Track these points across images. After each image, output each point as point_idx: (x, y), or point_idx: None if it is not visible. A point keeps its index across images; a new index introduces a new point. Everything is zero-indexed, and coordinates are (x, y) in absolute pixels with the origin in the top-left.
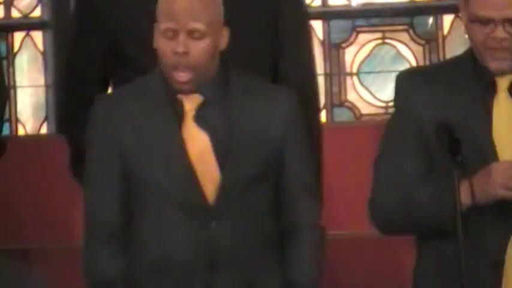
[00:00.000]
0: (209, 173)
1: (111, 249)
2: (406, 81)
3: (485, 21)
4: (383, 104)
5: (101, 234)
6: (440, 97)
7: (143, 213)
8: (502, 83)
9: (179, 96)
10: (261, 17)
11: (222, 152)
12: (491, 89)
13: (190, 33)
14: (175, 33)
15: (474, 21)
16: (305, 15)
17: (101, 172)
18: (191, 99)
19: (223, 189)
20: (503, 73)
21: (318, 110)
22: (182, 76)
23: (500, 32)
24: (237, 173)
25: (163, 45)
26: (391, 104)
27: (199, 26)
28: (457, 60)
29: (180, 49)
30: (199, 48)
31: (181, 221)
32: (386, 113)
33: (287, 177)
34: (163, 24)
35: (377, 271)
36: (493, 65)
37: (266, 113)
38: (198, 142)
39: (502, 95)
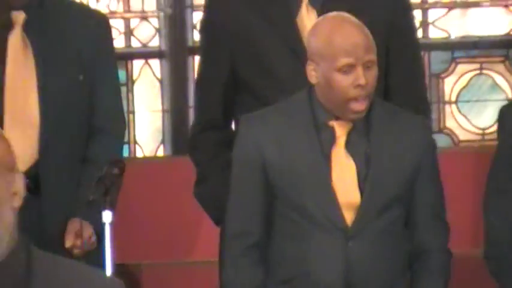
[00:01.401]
0: (350, 197)
1: (252, 258)
2: (510, 114)
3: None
4: (480, 131)
5: (243, 244)
6: None
7: (283, 229)
8: None
9: (331, 122)
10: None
11: (363, 177)
12: None
13: (365, 65)
14: (351, 67)
15: None
16: (416, 45)
17: (245, 187)
18: (342, 126)
19: (361, 212)
20: None
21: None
22: (361, 105)
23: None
24: (375, 198)
25: (341, 79)
26: (488, 131)
27: (372, 56)
28: None
29: (363, 81)
30: (373, 78)
31: (321, 240)
32: (483, 140)
33: (420, 204)
34: (341, 61)
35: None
36: None
37: (403, 141)
38: (345, 168)
39: None
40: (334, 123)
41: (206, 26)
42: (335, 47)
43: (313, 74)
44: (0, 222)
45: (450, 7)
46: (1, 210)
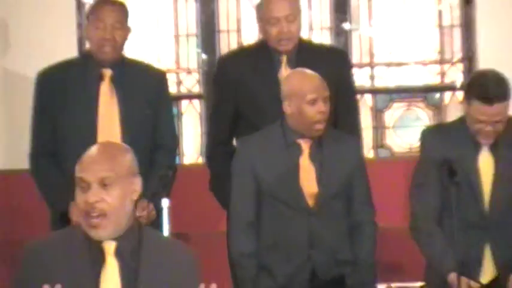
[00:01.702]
0: (312, 189)
1: (250, 231)
2: (428, 135)
3: None
4: (408, 146)
5: (243, 222)
6: (445, 143)
7: (268, 212)
8: None
9: (298, 140)
10: (334, 92)
11: (319, 177)
12: None
13: (324, 99)
14: (315, 101)
15: None
16: (354, 92)
17: (243, 186)
18: (306, 142)
19: (318, 198)
20: None
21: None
22: (322, 126)
23: None
24: (327, 190)
25: (309, 109)
26: (413, 146)
27: (327, 94)
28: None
29: (324, 109)
30: (328, 108)
31: (293, 217)
32: (410, 152)
33: (356, 193)
34: (309, 97)
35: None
36: None
37: (344, 152)
38: (308, 171)
39: None
40: (300, 141)
41: (218, 78)
42: (304, 88)
43: (288, 107)
44: (123, 209)
45: (388, 65)
46: (125, 201)
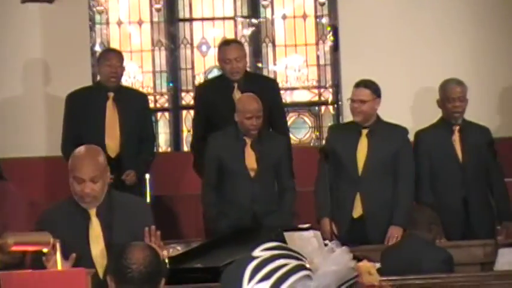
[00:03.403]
0: (253, 166)
1: (214, 192)
2: (332, 129)
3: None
4: (298, 141)
5: (210, 186)
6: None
7: (227, 180)
8: None
9: (244, 137)
10: (269, 106)
11: (259, 158)
12: None
13: (257, 116)
14: (251, 116)
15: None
16: (282, 105)
17: (210, 164)
18: (249, 139)
19: (257, 172)
20: None
21: (289, 142)
22: (255, 130)
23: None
24: (263, 166)
25: (247, 121)
26: (304, 139)
27: (261, 114)
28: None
29: (255, 122)
30: (261, 120)
31: (240, 184)
32: (299, 144)
33: (282, 169)
34: (246, 114)
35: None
36: None
37: (275, 145)
38: (251, 155)
39: None
40: (245, 138)
41: (196, 99)
42: (245, 109)
43: (237, 118)
44: (104, 188)
45: (286, 89)
46: (104, 184)
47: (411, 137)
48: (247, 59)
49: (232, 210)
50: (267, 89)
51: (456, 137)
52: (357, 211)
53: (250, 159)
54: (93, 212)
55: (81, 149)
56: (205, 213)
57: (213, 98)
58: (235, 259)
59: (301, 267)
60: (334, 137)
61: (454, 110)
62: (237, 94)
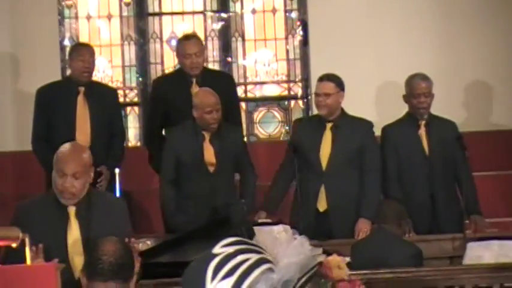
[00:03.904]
0: (211, 159)
1: (170, 186)
2: (297, 123)
3: None
4: (268, 135)
5: (168, 181)
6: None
7: (185, 175)
8: None
9: (203, 132)
10: (225, 101)
11: (217, 151)
12: None
13: (216, 109)
14: (211, 111)
15: None
16: (237, 100)
17: (168, 159)
18: (208, 133)
19: (217, 165)
20: None
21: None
22: (215, 124)
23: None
24: (222, 158)
25: (207, 116)
26: (273, 134)
27: (219, 107)
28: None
29: (215, 116)
30: (220, 114)
31: (199, 178)
32: (270, 138)
33: (241, 160)
34: (206, 109)
35: None
36: None
37: (231, 136)
38: (209, 148)
39: None
40: (204, 132)
41: (152, 93)
42: (204, 103)
43: (195, 113)
44: (84, 186)
45: (255, 83)
46: (85, 182)
47: (378, 131)
48: (217, 53)
49: (191, 205)
50: (224, 84)
51: (422, 132)
52: (322, 205)
53: (209, 154)
54: (72, 211)
55: (67, 144)
56: (163, 208)
57: (171, 92)
58: (195, 258)
59: (263, 261)
60: (300, 131)
61: (420, 106)
62: (195, 89)
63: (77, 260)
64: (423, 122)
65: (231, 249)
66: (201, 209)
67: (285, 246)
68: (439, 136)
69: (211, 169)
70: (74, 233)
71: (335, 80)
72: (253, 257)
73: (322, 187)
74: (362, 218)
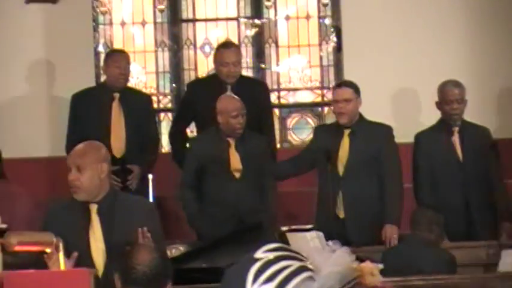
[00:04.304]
0: (237, 166)
1: (193, 191)
2: (318, 129)
3: None
4: (301, 141)
5: (188, 186)
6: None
7: (205, 179)
8: None
9: (227, 138)
10: (259, 108)
11: (241, 158)
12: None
13: (242, 114)
14: (237, 115)
15: None
16: (271, 108)
17: (189, 166)
18: (232, 139)
19: (242, 172)
20: None
21: (275, 142)
22: (240, 130)
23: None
24: (248, 166)
25: (233, 120)
26: (305, 140)
27: (244, 112)
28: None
29: (241, 120)
30: (244, 120)
31: (223, 183)
32: (303, 144)
33: (264, 170)
34: (233, 113)
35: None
36: None
37: (259, 145)
38: (234, 156)
39: None
40: (228, 139)
41: (185, 98)
42: (229, 108)
43: (220, 119)
44: (92, 181)
45: (288, 90)
46: (93, 177)
47: (409, 137)
48: (251, 60)
49: (217, 212)
50: (258, 91)
51: (456, 138)
52: (341, 211)
53: (235, 161)
54: (94, 209)
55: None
56: (185, 210)
57: (204, 96)
58: (236, 261)
59: (304, 269)
60: (319, 137)
61: (452, 112)
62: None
63: (98, 258)
64: (456, 129)
65: (272, 254)
66: (227, 215)
67: (327, 255)
68: (473, 143)
69: (236, 175)
70: (95, 230)
71: (353, 85)
72: (294, 265)
73: (340, 193)
74: (388, 224)
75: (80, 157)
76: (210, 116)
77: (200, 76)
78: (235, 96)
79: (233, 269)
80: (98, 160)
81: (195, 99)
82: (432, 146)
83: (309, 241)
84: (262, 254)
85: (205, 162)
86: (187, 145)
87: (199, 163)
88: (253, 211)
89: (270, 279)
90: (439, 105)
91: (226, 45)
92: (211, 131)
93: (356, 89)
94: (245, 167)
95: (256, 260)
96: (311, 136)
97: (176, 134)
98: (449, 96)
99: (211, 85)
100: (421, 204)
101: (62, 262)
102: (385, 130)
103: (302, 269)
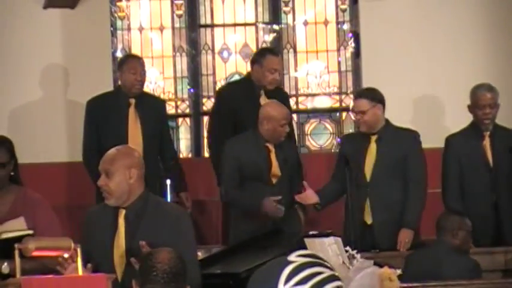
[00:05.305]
0: (277, 172)
1: (236, 190)
2: (344, 138)
3: None
4: (319, 147)
5: (231, 186)
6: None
7: (246, 184)
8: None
9: (266, 144)
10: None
11: (282, 166)
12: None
13: (289, 121)
14: (285, 124)
15: None
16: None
17: (230, 168)
18: (271, 145)
19: (280, 178)
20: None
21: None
22: (286, 134)
23: None
24: (286, 174)
25: (281, 129)
26: (324, 146)
27: (290, 120)
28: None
29: (287, 129)
30: (291, 127)
31: (260, 188)
32: (321, 149)
33: (296, 177)
34: (282, 121)
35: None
36: None
37: (290, 152)
38: (275, 163)
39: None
40: (268, 144)
41: (219, 102)
42: (281, 116)
43: (268, 125)
44: (121, 187)
45: (307, 95)
46: (121, 182)
47: (437, 143)
48: None
49: (254, 216)
50: (279, 98)
51: (487, 143)
52: (368, 217)
53: (275, 167)
54: (122, 213)
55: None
56: (241, 207)
57: (239, 102)
58: (268, 261)
59: (335, 278)
60: (347, 144)
61: (484, 117)
62: (262, 100)
63: (119, 263)
64: (488, 133)
65: (305, 259)
66: (263, 221)
67: (358, 272)
68: (504, 147)
69: (274, 180)
70: (120, 235)
71: (368, 95)
72: (327, 272)
73: (367, 199)
74: (404, 228)
75: (108, 163)
76: (247, 120)
77: (229, 81)
78: (283, 104)
79: (264, 269)
80: (127, 166)
81: (230, 104)
82: (462, 150)
83: (326, 247)
84: (296, 257)
85: (243, 166)
86: (225, 148)
87: (239, 166)
88: (287, 217)
89: (303, 281)
90: (471, 109)
91: (274, 52)
92: (249, 135)
93: (373, 98)
94: (283, 174)
95: (290, 262)
96: (329, 141)
97: (217, 143)
98: (481, 100)
99: (243, 90)
100: (448, 209)
101: (79, 267)
102: (412, 136)
103: (333, 278)
